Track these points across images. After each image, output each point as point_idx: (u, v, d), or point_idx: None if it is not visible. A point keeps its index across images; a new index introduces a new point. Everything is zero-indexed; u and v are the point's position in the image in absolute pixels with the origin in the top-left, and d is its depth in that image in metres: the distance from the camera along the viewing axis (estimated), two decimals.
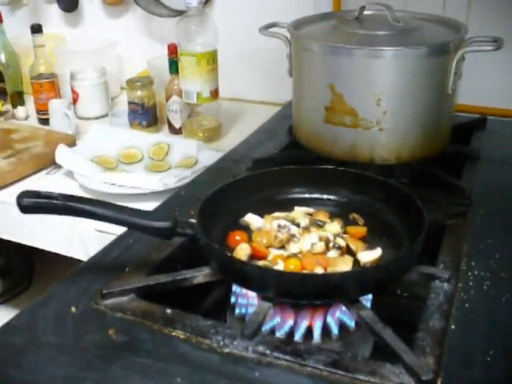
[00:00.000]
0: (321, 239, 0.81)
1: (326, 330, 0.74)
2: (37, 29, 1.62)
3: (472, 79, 1.34)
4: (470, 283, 0.77)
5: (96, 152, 1.37)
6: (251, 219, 0.88)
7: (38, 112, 1.67)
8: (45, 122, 1.63)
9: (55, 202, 0.75)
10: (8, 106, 1.73)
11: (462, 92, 1.18)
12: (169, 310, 0.73)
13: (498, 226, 0.92)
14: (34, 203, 0.75)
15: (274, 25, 1.20)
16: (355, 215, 0.89)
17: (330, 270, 0.76)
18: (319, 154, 1.11)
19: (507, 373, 0.63)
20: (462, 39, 1.05)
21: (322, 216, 0.88)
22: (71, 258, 1.22)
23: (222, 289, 0.89)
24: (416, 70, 1.02)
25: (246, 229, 0.87)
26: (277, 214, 0.89)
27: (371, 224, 0.88)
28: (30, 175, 1.36)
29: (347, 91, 1.04)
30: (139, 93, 1.52)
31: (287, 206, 0.92)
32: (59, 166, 1.35)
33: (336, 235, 0.83)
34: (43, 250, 1.28)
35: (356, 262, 0.79)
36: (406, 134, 1.06)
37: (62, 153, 1.33)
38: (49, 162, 1.38)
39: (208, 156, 1.33)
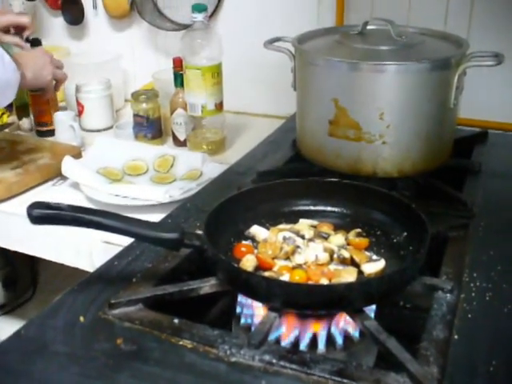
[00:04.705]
0: (325, 250, 0.82)
1: (330, 339, 0.75)
2: (34, 43, 1.52)
3: (474, 93, 1.36)
4: (473, 294, 0.78)
5: (101, 164, 1.38)
6: (257, 231, 0.89)
7: (37, 124, 1.68)
8: (44, 134, 1.65)
9: (65, 213, 0.77)
10: (13, 118, 1.75)
11: (464, 106, 1.20)
12: (176, 320, 0.74)
13: (499, 238, 0.93)
14: (44, 214, 0.76)
15: (278, 39, 1.21)
16: (357, 231, 0.89)
17: (334, 280, 0.77)
18: (323, 166, 1.13)
19: (510, 383, 0.64)
20: (464, 54, 1.07)
21: (326, 228, 0.90)
22: (74, 269, 1.23)
23: (226, 299, 0.90)
24: (418, 85, 1.04)
25: (252, 240, 0.88)
26: (282, 226, 0.91)
27: (374, 236, 0.89)
28: (35, 186, 1.37)
29: (351, 105, 1.06)
30: (144, 105, 1.54)
31: (292, 218, 0.93)
32: (65, 178, 1.36)
33: (340, 247, 0.84)
34: (46, 260, 1.29)
35: (360, 273, 0.80)
36: (408, 147, 1.07)
37: (67, 164, 1.34)
38: (55, 174, 1.39)
39: (213, 168, 1.34)
